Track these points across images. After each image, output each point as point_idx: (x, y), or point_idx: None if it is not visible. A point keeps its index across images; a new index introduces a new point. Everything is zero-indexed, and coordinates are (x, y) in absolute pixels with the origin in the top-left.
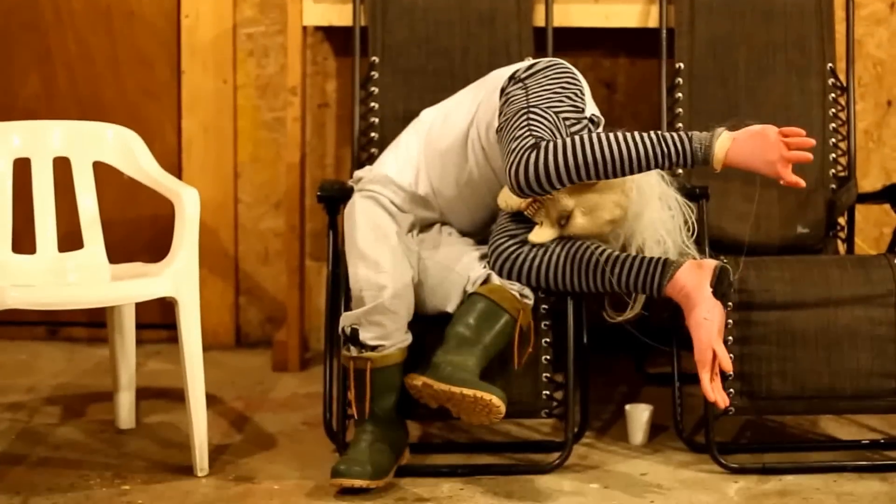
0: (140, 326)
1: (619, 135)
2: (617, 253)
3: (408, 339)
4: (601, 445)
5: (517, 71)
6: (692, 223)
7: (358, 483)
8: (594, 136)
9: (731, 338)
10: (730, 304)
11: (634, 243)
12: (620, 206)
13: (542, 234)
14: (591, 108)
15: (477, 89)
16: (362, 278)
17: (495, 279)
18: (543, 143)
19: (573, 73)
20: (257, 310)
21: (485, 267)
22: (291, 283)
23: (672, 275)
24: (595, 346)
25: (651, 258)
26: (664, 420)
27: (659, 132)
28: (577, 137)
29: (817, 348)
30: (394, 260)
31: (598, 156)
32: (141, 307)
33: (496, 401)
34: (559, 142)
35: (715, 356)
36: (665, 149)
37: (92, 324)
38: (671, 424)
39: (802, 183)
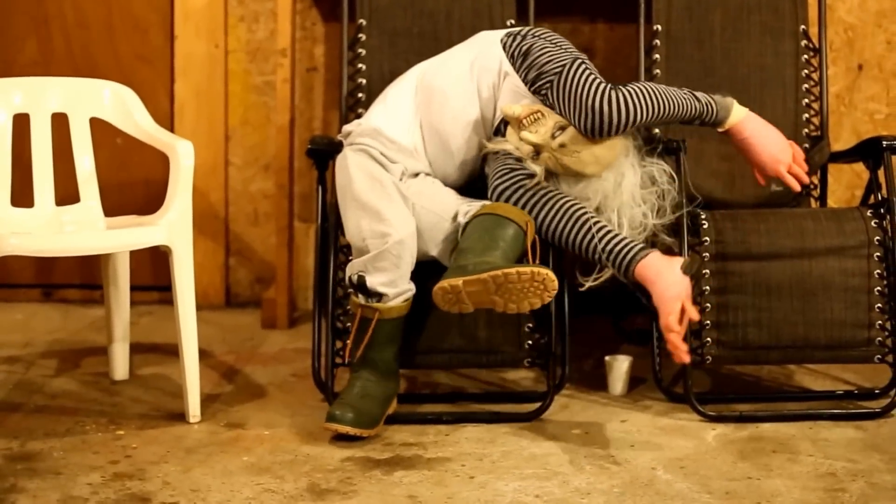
0: (133, 288)
1: (669, 88)
2: (606, 224)
3: (412, 289)
4: (582, 396)
5: (514, 31)
6: (674, 194)
7: (351, 430)
8: (654, 86)
9: (707, 288)
10: (706, 254)
11: (612, 204)
12: (609, 150)
13: (536, 137)
14: None
15: (468, 46)
16: (365, 228)
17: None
18: (622, 87)
19: (557, 36)
20: (247, 270)
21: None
22: (280, 243)
23: (644, 257)
24: (574, 306)
25: (632, 241)
26: (643, 373)
27: (691, 91)
28: (643, 86)
29: (792, 299)
30: (394, 209)
31: (662, 101)
32: (134, 268)
33: (551, 274)
34: (634, 87)
35: (683, 314)
36: (699, 104)
37: (86, 286)
38: (650, 377)
39: (797, 187)
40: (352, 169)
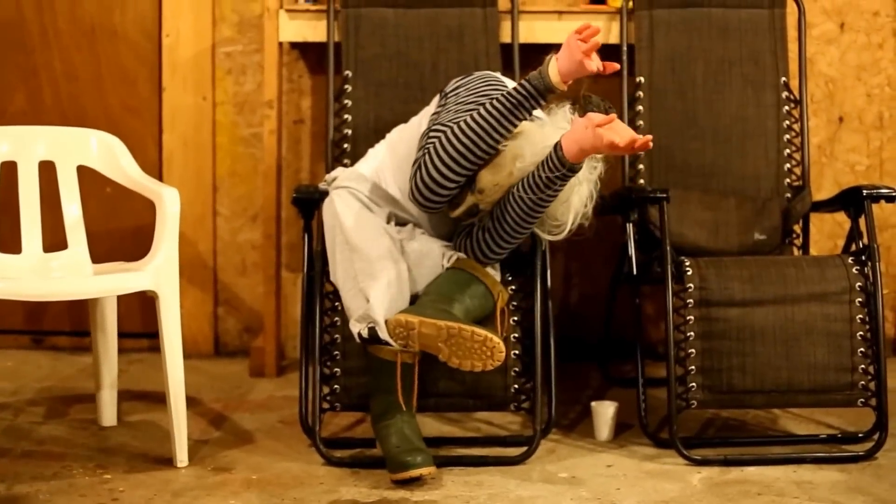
0: (122, 335)
1: (472, 113)
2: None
3: None
4: (568, 441)
5: (459, 78)
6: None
7: (425, 472)
8: (452, 126)
9: (691, 333)
10: (690, 301)
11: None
12: (519, 158)
13: (464, 204)
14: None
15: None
16: (360, 270)
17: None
18: (420, 157)
19: (496, 81)
20: (235, 320)
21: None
22: (268, 291)
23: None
24: (562, 353)
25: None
26: (629, 419)
27: (503, 94)
28: (436, 138)
29: (776, 344)
30: (385, 250)
31: (462, 139)
32: (124, 315)
33: (501, 345)
34: (427, 150)
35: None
36: (513, 99)
37: (75, 332)
38: (636, 423)
39: (616, 66)
40: (339, 209)
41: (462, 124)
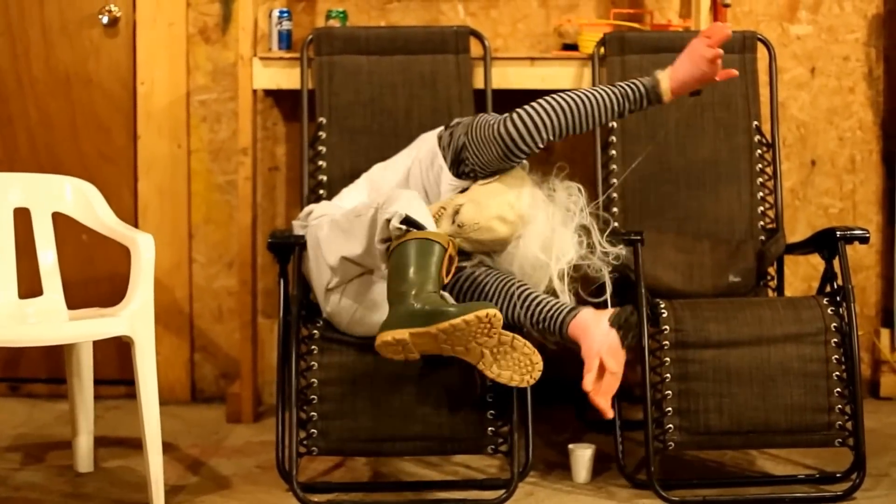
0: (98, 382)
1: (585, 89)
2: (539, 293)
3: None
4: (546, 484)
5: (452, 123)
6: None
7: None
8: (560, 95)
9: (668, 375)
10: (666, 342)
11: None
12: (512, 207)
13: (442, 230)
14: None
15: (411, 147)
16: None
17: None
18: (519, 109)
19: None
20: (212, 366)
21: None
22: (244, 337)
23: (575, 315)
24: (539, 396)
25: (563, 303)
26: (607, 462)
27: (616, 83)
28: (545, 99)
29: (752, 385)
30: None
31: (566, 104)
32: (101, 362)
33: (492, 311)
34: (535, 103)
35: (603, 370)
36: (624, 90)
37: (52, 380)
38: (613, 465)
39: (734, 72)
40: (326, 230)
41: (571, 92)
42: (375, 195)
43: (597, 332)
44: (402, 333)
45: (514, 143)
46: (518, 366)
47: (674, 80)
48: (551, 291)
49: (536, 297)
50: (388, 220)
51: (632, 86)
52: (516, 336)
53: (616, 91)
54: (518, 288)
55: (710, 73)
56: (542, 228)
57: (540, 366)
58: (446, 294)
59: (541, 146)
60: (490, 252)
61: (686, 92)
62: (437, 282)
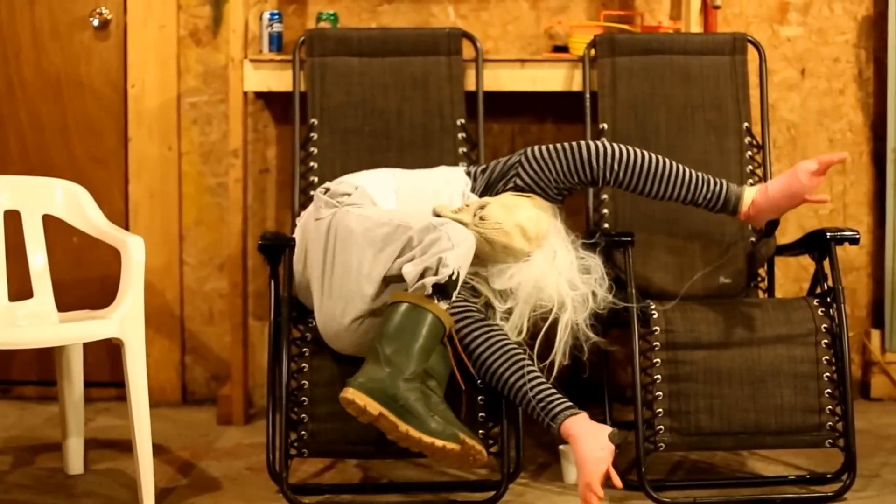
0: (89, 384)
1: (674, 164)
2: (540, 375)
3: None
4: (537, 485)
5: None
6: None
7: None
8: (652, 155)
9: (659, 377)
10: (657, 343)
11: (549, 282)
12: (536, 224)
13: (462, 216)
14: None
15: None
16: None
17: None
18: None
19: None
20: (203, 368)
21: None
22: (235, 340)
23: (574, 414)
24: None
25: (563, 398)
26: None
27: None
28: (636, 150)
29: (743, 386)
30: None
31: (658, 165)
32: (92, 364)
33: (480, 448)
34: (617, 146)
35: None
36: (709, 186)
37: (42, 382)
38: None
39: (826, 198)
40: (354, 219)
41: (662, 158)
42: (405, 210)
43: (599, 440)
44: (376, 408)
45: (591, 156)
46: (460, 461)
47: (761, 195)
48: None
49: (540, 377)
50: (424, 273)
51: (717, 182)
52: (454, 447)
53: (701, 176)
54: (524, 361)
55: (805, 191)
56: (558, 264)
57: (483, 456)
58: (436, 397)
59: (608, 176)
60: (492, 264)
61: (766, 217)
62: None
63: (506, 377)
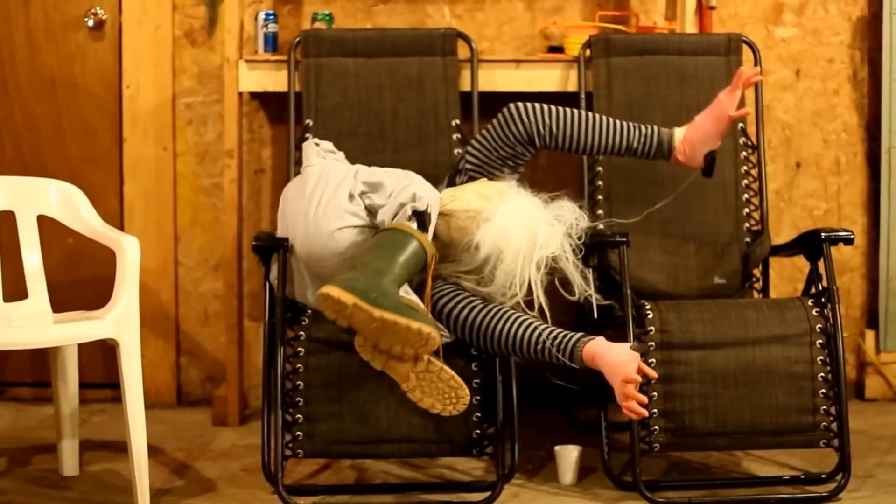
0: (84, 386)
1: (601, 115)
2: (545, 324)
3: None
4: (532, 486)
5: None
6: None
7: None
8: (581, 110)
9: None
10: (651, 343)
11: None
12: (486, 186)
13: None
14: None
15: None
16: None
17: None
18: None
19: None
20: (198, 369)
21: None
22: (230, 340)
23: (590, 340)
24: (525, 398)
25: (569, 332)
26: (593, 464)
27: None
28: (563, 109)
29: (737, 386)
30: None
31: (587, 116)
32: (87, 366)
33: (432, 331)
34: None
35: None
36: (640, 130)
37: (37, 383)
38: (600, 467)
39: (748, 111)
40: (345, 167)
41: (587, 112)
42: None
43: (621, 350)
44: (350, 299)
45: (521, 112)
46: (442, 396)
47: (690, 129)
48: (522, 281)
49: (546, 326)
50: (403, 204)
51: (648, 126)
52: (444, 367)
53: (630, 124)
54: (528, 319)
55: (727, 108)
56: (523, 210)
57: (466, 400)
58: (416, 300)
59: (542, 130)
60: (464, 249)
61: (701, 151)
62: (406, 283)
63: (514, 335)
